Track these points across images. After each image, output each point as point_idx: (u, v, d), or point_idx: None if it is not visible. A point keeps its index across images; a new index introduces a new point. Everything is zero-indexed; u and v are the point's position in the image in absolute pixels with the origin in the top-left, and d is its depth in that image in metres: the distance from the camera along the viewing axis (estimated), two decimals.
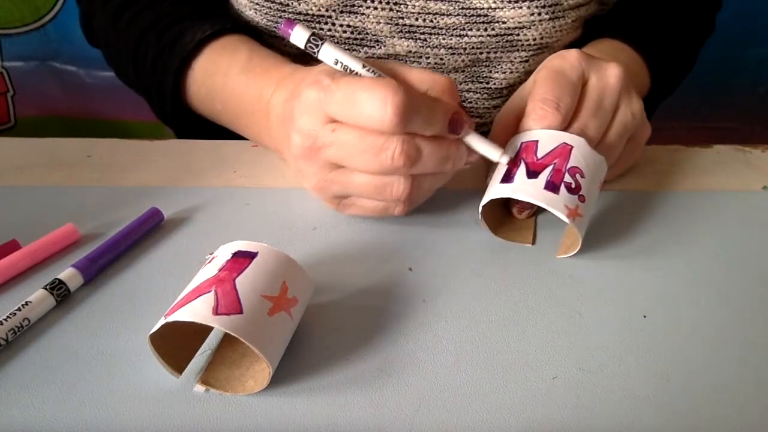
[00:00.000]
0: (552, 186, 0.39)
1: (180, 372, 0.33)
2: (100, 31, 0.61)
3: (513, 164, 0.41)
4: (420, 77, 0.40)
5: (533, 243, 0.43)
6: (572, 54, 0.43)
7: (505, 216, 0.45)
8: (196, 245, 0.42)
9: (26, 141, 0.54)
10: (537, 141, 0.41)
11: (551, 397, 0.33)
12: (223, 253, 0.35)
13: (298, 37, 0.39)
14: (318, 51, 0.39)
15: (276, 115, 0.44)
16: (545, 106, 0.41)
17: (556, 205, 0.39)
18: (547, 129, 0.41)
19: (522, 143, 0.42)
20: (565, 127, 0.42)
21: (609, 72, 0.43)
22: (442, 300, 0.38)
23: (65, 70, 1.01)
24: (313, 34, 0.39)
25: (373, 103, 0.36)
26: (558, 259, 0.42)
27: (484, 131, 0.62)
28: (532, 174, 0.40)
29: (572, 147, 0.41)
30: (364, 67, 0.39)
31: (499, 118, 0.46)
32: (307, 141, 0.39)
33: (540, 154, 0.40)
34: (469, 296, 0.39)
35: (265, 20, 0.56)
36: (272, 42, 0.57)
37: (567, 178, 0.39)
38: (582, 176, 0.40)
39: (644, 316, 0.37)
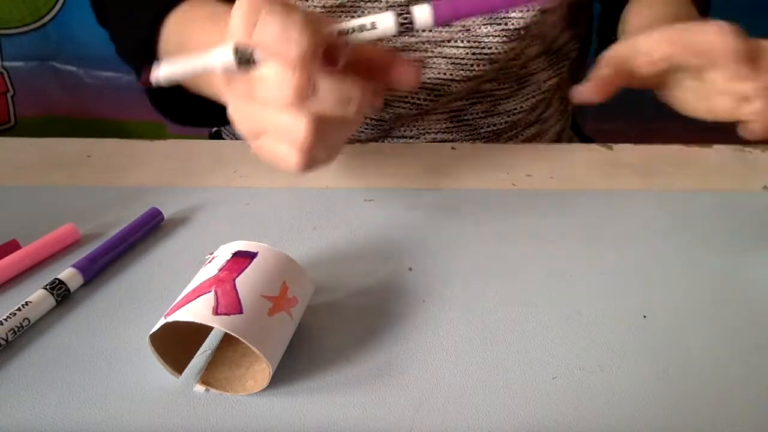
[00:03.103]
0: None
1: (180, 372, 0.33)
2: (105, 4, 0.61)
3: None
4: None
5: None
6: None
7: None
8: (196, 245, 0.42)
9: (26, 141, 0.54)
10: None
11: (551, 397, 0.33)
12: (223, 253, 0.35)
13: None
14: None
15: None
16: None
17: None
18: None
19: None
20: None
21: None
22: (442, 300, 0.38)
23: (65, 70, 1.01)
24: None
25: (233, 17, 0.34)
26: (558, 259, 0.42)
27: (503, 74, 0.61)
28: None
29: None
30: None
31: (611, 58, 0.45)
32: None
33: None
34: (469, 296, 0.39)
35: None
36: None
37: None
38: None
39: (644, 316, 0.37)
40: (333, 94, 0.35)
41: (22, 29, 0.98)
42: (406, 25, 0.35)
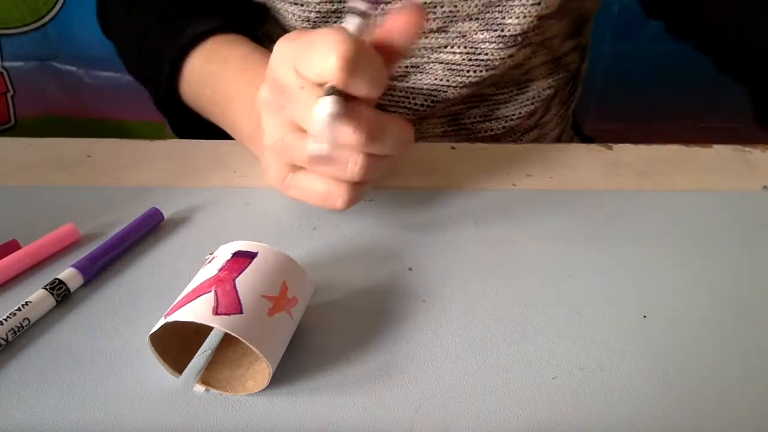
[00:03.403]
0: None
1: (180, 372, 0.33)
2: (114, 21, 0.62)
3: None
4: None
5: None
6: None
7: None
8: (196, 245, 0.42)
9: (26, 141, 0.54)
10: None
11: (551, 397, 0.33)
12: (223, 253, 0.35)
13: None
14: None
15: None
16: None
17: None
18: None
19: None
20: None
21: None
22: (442, 300, 0.38)
23: (65, 70, 1.01)
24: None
25: (321, 51, 0.33)
26: (558, 259, 0.42)
27: (496, 81, 0.61)
28: None
29: None
30: None
31: None
32: (273, 93, 0.37)
33: None
34: (469, 296, 0.39)
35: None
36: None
37: None
38: None
39: (644, 316, 0.37)
40: (395, 136, 0.36)
41: (22, 29, 0.98)
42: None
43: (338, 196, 0.38)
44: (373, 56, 0.35)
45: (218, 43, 0.52)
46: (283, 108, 0.37)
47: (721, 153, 0.54)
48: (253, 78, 0.46)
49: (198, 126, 0.55)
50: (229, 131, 0.51)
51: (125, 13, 0.59)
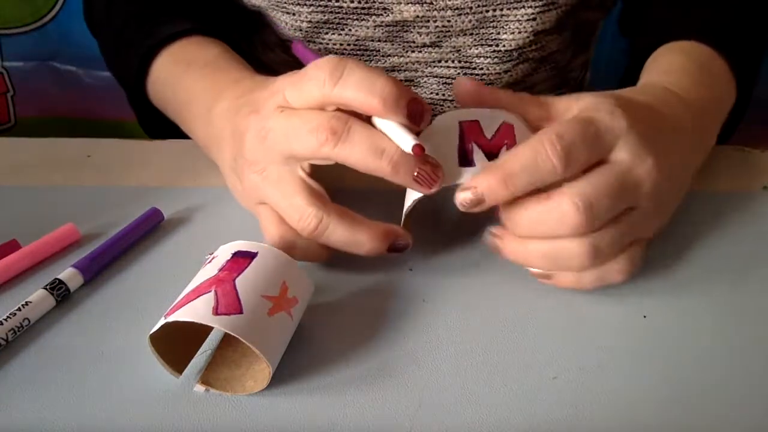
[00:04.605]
0: None
1: (180, 372, 0.33)
2: (97, 19, 0.63)
3: (462, 146, 0.38)
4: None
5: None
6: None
7: None
8: (196, 245, 0.42)
9: (26, 141, 0.54)
10: (477, 120, 0.39)
11: (551, 397, 0.33)
12: (223, 253, 0.35)
13: None
14: None
15: (221, 109, 0.44)
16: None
17: None
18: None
19: (461, 122, 0.39)
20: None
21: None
22: (442, 300, 0.38)
23: (65, 70, 1.01)
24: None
25: (314, 70, 0.36)
26: None
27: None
28: (492, 156, 0.37)
29: (513, 125, 0.38)
30: None
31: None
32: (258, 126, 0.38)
33: (488, 134, 0.38)
34: (469, 296, 0.39)
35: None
36: (279, 18, 0.57)
37: None
38: None
39: (644, 316, 0.37)
40: (363, 136, 0.37)
41: (22, 29, 0.97)
42: None
43: (271, 232, 0.39)
44: (356, 63, 0.36)
45: (186, 45, 0.52)
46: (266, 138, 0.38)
47: (721, 153, 0.54)
48: (211, 85, 0.47)
49: (167, 126, 0.55)
50: (187, 133, 0.51)
51: (105, 11, 0.60)
